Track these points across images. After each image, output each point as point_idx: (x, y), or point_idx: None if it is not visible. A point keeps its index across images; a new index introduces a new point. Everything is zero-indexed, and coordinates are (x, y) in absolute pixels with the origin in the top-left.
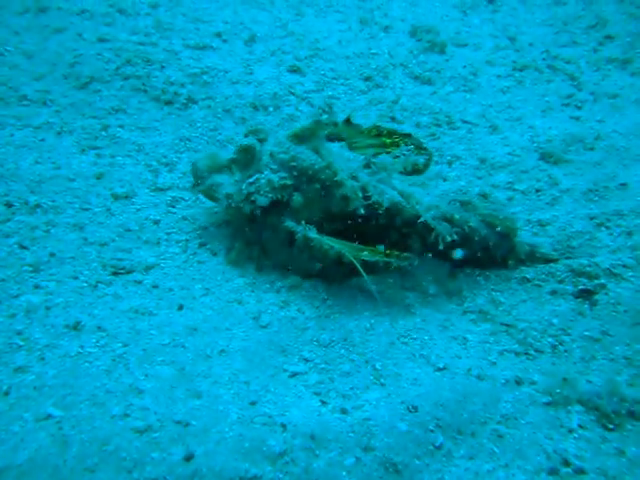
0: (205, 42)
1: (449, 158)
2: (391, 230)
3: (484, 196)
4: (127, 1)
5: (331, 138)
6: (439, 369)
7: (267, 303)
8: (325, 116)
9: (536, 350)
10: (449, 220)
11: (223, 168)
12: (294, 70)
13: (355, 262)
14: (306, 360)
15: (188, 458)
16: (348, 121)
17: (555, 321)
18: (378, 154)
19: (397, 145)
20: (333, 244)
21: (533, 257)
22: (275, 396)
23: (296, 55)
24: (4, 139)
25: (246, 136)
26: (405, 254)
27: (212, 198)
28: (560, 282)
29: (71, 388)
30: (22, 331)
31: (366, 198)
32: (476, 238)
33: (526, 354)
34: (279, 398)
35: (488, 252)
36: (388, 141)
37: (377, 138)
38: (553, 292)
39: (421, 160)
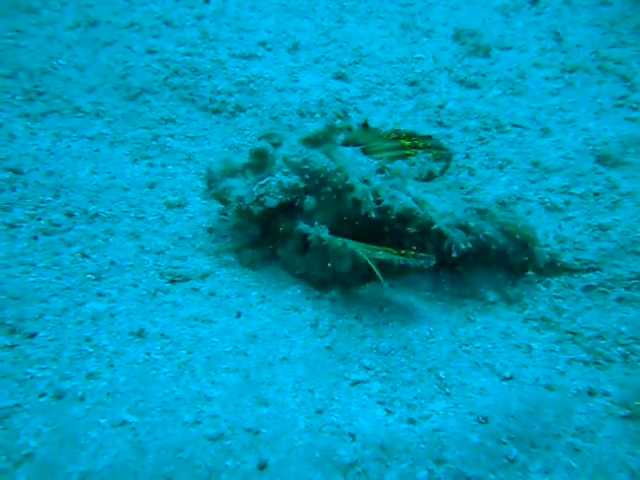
0: (250, 51)
1: (500, 162)
2: (405, 237)
3: (502, 204)
4: (173, 13)
5: (348, 143)
6: (505, 378)
7: (324, 310)
8: (339, 121)
9: (606, 359)
10: (464, 228)
11: (237, 172)
12: (339, 77)
13: (370, 262)
14: (367, 368)
15: (261, 467)
16: (365, 125)
17: (624, 329)
18: (395, 158)
19: (416, 147)
20: (348, 243)
21: (554, 267)
22: (340, 405)
23: (340, 62)
24: (62, 150)
25: (260, 140)
26: (422, 254)
27: (224, 202)
28: (627, 288)
29: (142, 395)
30: (90, 338)
31: (378, 202)
32: (493, 247)
33: (596, 363)
34: (344, 407)
35: (507, 261)
36: (407, 143)
37: (395, 141)
38: (620, 299)
39: (437, 168)
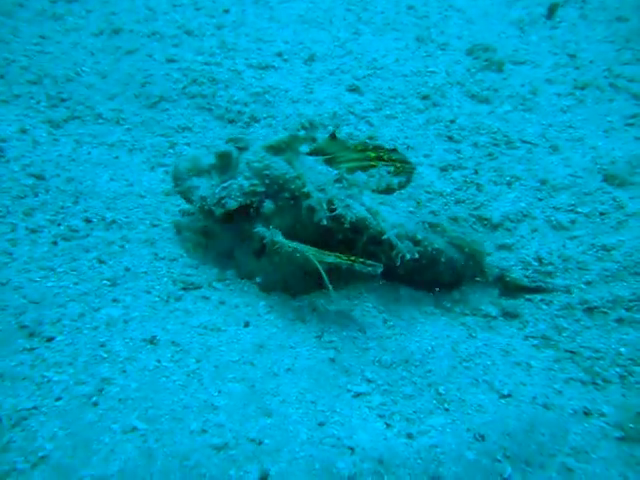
0: (267, 62)
1: (508, 179)
2: (357, 246)
3: (454, 219)
4: (194, 22)
5: (316, 152)
6: (504, 396)
7: (329, 322)
8: (302, 132)
9: (604, 380)
10: (413, 239)
11: (203, 172)
12: (353, 89)
13: (318, 265)
14: (369, 381)
15: (263, 477)
16: (333, 136)
17: (623, 350)
18: (358, 169)
19: (381, 159)
20: (298, 247)
21: (502, 281)
22: (341, 417)
23: (354, 74)
24: (83, 157)
25: (227, 143)
26: (370, 261)
27: (188, 200)
28: (628, 310)
29: (152, 402)
30: (105, 343)
31: (332, 211)
32: (442, 259)
33: (593, 384)
34: (345, 419)
35: (456, 272)
36: (373, 155)
37: (362, 153)
38: (619, 320)
39: (396, 181)
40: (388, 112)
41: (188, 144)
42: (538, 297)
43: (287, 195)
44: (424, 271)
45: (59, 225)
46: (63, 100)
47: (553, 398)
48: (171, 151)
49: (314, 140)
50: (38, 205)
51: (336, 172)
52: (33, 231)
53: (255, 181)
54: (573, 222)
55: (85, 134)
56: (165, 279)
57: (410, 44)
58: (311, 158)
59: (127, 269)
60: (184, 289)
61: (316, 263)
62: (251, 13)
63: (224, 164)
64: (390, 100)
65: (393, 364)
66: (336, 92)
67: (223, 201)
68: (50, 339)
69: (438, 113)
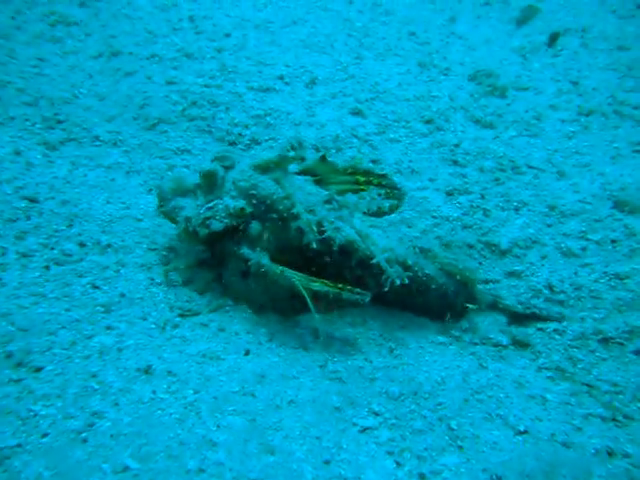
0: (268, 84)
1: (516, 204)
2: (346, 269)
3: (446, 245)
4: (194, 46)
5: (306, 173)
6: (520, 432)
7: (333, 350)
8: (292, 153)
9: (625, 416)
10: (402, 264)
11: (188, 192)
12: (356, 113)
13: (304, 292)
14: (376, 414)
15: None
16: (324, 158)
17: None
18: (347, 192)
19: (370, 183)
20: (285, 272)
21: (496, 308)
22: (348, 454)
23: (357, 97)
24: (78, 179)
25: (212, 162)
26: (358, 289)
27: (173, 220)
28: None
29: (146, 437)
30: (97, 373)
31: (321, 233)
32: (433, 286)
33: (614, 420)
34: (352, 457)
35: (447, 300)
36: (362, 179)
37: (351, 176)
38: (637, 352)
39: (386, 204)
40: (392, 135)
41: (187, 166)
42: (551, 326)
43: (275, 216)
44: (414, 297)
45: (52, 249)
46: (59, 122)
47: (573, 436)
48: (169, 174)
49: (303, 159)
50: (30, 228)
51: (326, 193)
52: (24, 255)
53: (242, 201)
54: (584, 249)
55: (81, 156)
56: (162, 305)
57: (412, 69)
58: (300, 178)
59: (122, 295)
60: (181, 315)
61: (302, 290)
62: (252, 37)
63: (209, 183)
64: (393, 124)
65: (401, 396)
66: (338, 115)
67: (208, 222)
68: (39, 369)
69: (442, 137)
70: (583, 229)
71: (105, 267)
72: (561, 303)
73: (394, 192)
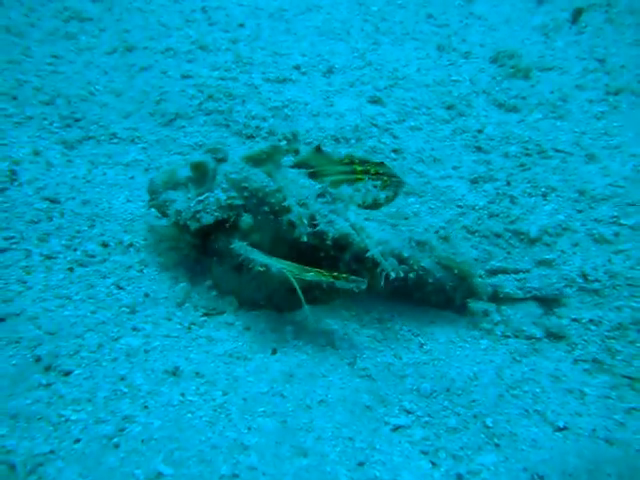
0: (284, 75)
1: (544, 190)
2: (340, 263)
3: (445, 238)
4: (208, 37)
5: (300, 165)
6: (559, 429)
7: (361, 347)
8: (284, 143)
9: None
10: (398, 257)
11: (180, 185)
12: (374, 101)
13: (294, 282)
14: (407, 412)
15: None
16: (318, 149)
17: None
18: (343, 182)
19: (368, 172)
20: (275, 262)
21: (497, 298)
22: (382, 455)
23: (375, 85)
24: (98, 178)
25: (205, 154)
26: (354, 277)
27: (164, 214)
28: None
29: (177, 442)
30: (125, 376)
31: (314, 226)
32: (430, 280)
33: None
34: (387, 457)
35: (445, 294)
36: (359, 168)
37: (348, 166)
38: None
39: (383, 195)
40: (412, 123)
41: None
42: (586, 317)
43: (267, 209)
44: (412, 291)
45: (75, 250)
46: (77, 120)
47: (615, 431)
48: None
49: (297, 152)
50: (53, 230)
51: (319, 186)
52: (48, 257)
53: (233, 194)
54: (617, 235)
55: (100, 154)
56: (186, 304)
57: (431, 53)
58: (294, 171)
59: (146, 295)
60: (206, 314)
61: (292, 280)
62: (266, 27)
63: (201, 176)
64: (414, 111)
65: (433, 393)
66: (357, 104)
67: (198, 215)
68: (67, 373)
69: (465, 123)
70: (615, 214)
71: (128, 267)
72: (596, 292)
73: (392, 180)
